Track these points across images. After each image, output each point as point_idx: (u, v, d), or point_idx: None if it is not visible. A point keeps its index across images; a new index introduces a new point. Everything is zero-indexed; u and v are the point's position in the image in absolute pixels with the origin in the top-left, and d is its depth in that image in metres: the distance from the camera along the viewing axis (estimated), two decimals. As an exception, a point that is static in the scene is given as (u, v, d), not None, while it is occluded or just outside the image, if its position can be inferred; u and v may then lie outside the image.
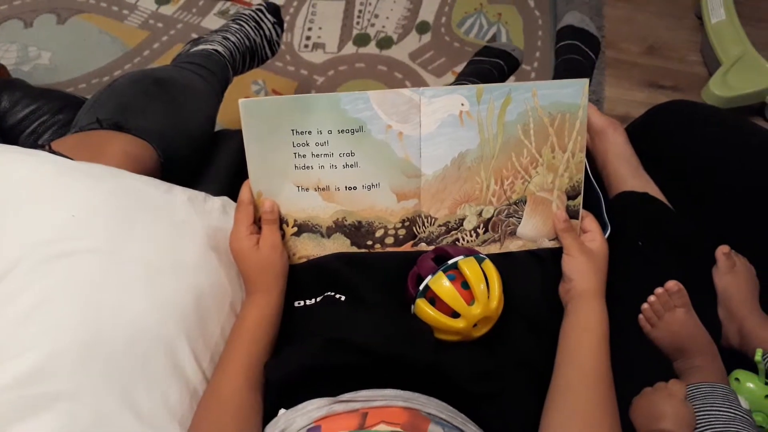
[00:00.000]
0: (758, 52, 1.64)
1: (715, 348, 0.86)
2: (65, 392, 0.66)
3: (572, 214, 0.89)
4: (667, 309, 0.84)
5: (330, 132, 0.82)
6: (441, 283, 0.78)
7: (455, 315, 0.77)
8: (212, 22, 1.92)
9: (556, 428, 0.70)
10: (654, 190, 1.00)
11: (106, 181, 0.81)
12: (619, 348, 0.80)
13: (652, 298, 0.85)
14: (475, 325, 0.78)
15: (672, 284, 0.84)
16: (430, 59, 1.83)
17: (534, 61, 1.82)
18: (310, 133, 0.82)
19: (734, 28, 1.69)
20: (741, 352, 0.88)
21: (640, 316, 0.87)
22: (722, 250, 0.92)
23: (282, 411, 0.68)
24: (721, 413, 0.75)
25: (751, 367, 0.86)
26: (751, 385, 0.84)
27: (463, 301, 0.77)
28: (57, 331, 0.68)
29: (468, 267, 0.79)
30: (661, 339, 0.85)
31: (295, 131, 0.81)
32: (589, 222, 0.88)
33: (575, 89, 0.84)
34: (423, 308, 0.78)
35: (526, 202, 0.89)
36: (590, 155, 1.08)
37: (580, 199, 0.89)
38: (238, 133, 0.99)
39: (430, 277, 0.79)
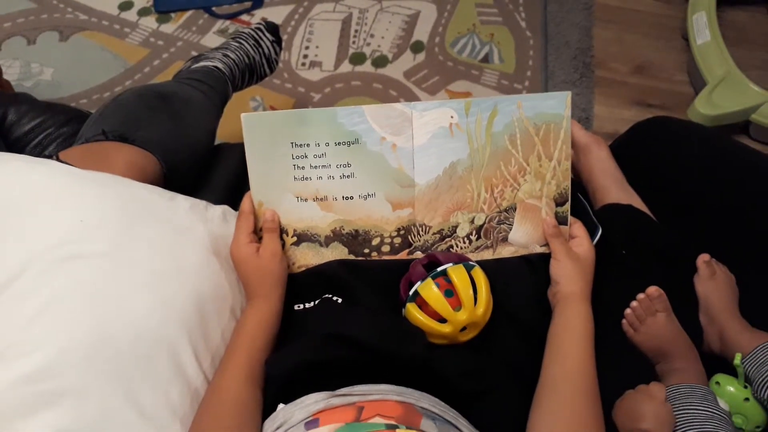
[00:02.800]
0: (742, 72, 1.67)
1: (695, 351, 0.88)
2: (72, 389, 0.68)
3: (561, 221, 0.91)
4: (649, 314, 0.87)
5: (327, 144, 0.85)
6: (429, 289, 0.80)
7: (442, 320, 0.79)
8: (212, 40, 1.95)
9: (542, 424, 0.72)
10: (638, 203, 1.03)
11: (113, 188, 0.84)
12: (603, 352, 0.81)
13: (634, 303, 0.88)
14: (463, 330, 0.80)
15: (653, 290, 0.87)
16: (424, 77, 1.87)
17: (525, 80, 1.86)
18: (308, 145, 0.85)
19: (719, 49, 1.72)
20: (721, 357, 0.90)
21: (624, 320, 0.89)
22: (703, 259, 0.95)
23: (281, 406, 0.70)
24: (699, 412, 0.78)
25: (732, 371, 0.88)
26: (731, 388, 0.86)
27: (450, 307, 0.79)
28: (64, 330, 0.70)
29: (456, 274, 0.81)
30: (644, 342, 0.88)
31: (294, 144, 0.84)
32: (578, 228, 0.90)
33: (558, 101, 0.87)
34: (412, 312, 0.80)
35: (516, 209, 0.91)
36: (575, 170, 1.11)
37: (567, 205, 0.91)
38: (237, 147, 1.02)
39: (419, 282, 0.81)
